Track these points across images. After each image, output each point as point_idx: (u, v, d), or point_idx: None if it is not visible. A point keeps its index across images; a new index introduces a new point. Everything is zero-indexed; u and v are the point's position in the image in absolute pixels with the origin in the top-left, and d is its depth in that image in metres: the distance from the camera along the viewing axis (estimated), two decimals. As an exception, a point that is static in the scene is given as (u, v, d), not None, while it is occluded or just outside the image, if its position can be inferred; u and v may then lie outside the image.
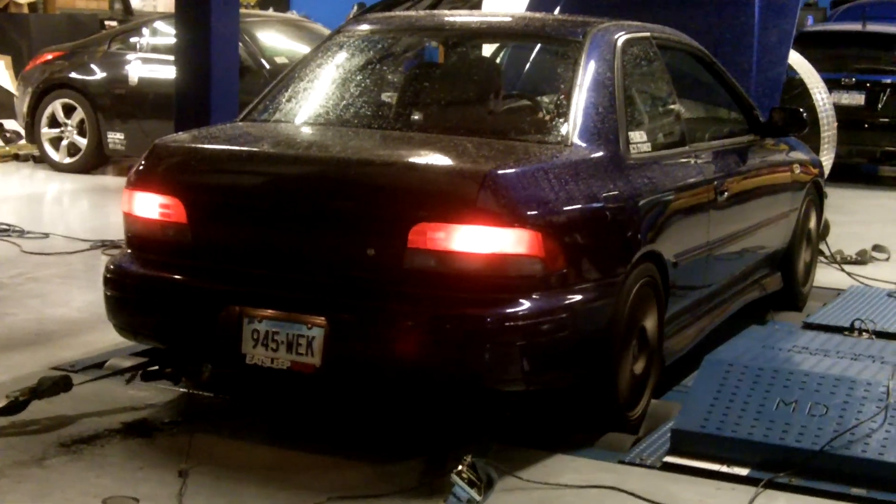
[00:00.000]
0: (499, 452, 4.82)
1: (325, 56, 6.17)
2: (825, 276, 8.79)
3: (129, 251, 5.37)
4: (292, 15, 16.74)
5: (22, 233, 9.31)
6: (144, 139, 11.45)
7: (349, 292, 4.83)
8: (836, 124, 11.52)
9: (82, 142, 13.08)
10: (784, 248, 7.64)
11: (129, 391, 5.55)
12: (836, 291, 8.24)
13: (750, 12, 8.59)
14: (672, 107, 6.25)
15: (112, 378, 5.65)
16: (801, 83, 11.56)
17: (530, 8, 9.14)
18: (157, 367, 5.60)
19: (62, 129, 13.17)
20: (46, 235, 9.31)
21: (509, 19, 6.71)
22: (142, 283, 5.24)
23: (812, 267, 8.24)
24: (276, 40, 13.15)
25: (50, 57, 13.55)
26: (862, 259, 9.50)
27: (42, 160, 13.44)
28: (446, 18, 6.79)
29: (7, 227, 9.39)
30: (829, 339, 6.39)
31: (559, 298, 4.83)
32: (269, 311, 4.89)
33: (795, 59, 11.24)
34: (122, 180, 6.45)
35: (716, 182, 6.24)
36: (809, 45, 14.08)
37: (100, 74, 13.07)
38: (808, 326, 7.05)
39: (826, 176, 9.34)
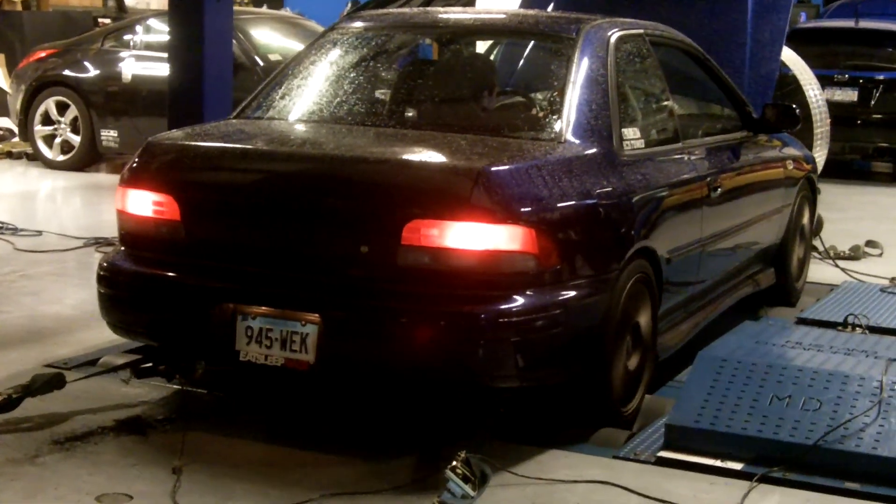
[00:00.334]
0: (493, 448, 4.82)
1: (318, 53, 6.17)
2: (818, 271, 8.80)
3: (122, 249, 5.37)
4: (286, 12, 16.73)
5: (15, 230, 9.30)
6: (138, 137, 11.44)
7: (343, 289, 4.83)
8: (829, 121, 11.54)
9: (76, 139, 13.07)
10: (777, 243, 7.65)
11: (122, 388, 5.55)
12: (830, 287, 8.25)
13: (743, 9, 8.59)
14: (665, 103, 6.25)
15: (105, 375, 5.64)
16: (794, 80, 11.56)
17: (524, 5, 9.13)
18: (150, 365, 5.59)
19: (55, 126, 13.16)
20: (40, 233, 9.30)
21: (503, 16, 6.71)
22: (135, 280, 5.24)
23: (805, 262, 8.25)
24: (270, 37, 13.14)
25: (43, 54, 13.53)
26: (855, 255, 9.51)
27: (35, 158, 13.42)
28: (440, 15, 6.79)
29: (0, 225, 9.38)
30: (822, 334, 6.40)
31: (553, 295, 4.83)
32: (263, 309, 4.89)
33: (788, 56, 11.24)
34: (115, 178, 6.44)
35: (709, 178, 6.25)
36: (802, 41, 14.10)
37: (93, 72, 13.06)
38: (802, 322, 7.06)
39: (819, 172, 9.35)
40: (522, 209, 4.73)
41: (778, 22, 8.74)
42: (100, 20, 17.06)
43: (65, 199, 11.94)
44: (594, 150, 5.33)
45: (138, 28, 13.27)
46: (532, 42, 6.97)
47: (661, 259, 5.61)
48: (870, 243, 9.82)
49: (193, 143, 5.43)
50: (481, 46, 7.48)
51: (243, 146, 5.33)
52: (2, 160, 13.74)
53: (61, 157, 13.16)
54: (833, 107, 12.72)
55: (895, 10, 17.21)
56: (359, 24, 6.36)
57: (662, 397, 5.68)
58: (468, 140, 5.23)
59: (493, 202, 4.67)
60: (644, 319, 5.50)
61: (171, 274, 5.15)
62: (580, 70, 5.56)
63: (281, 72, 6.12)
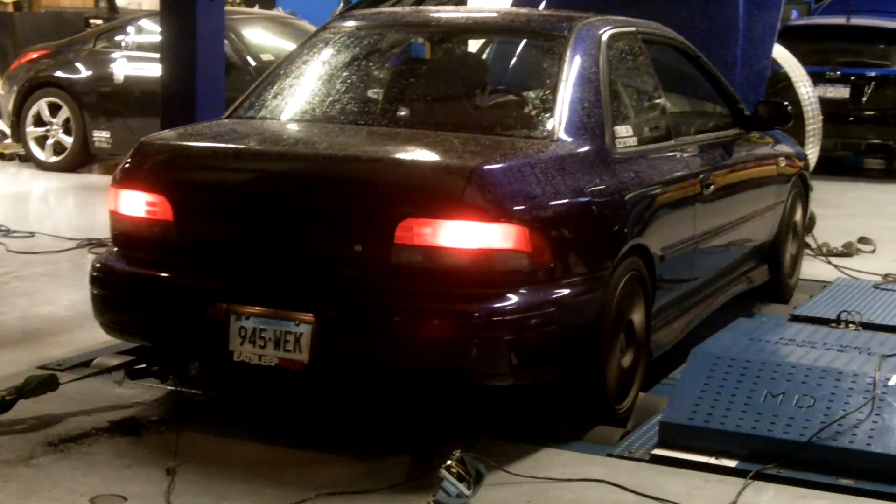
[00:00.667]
0: (487, 447, 4.82)
1: (311, 53, 6.16)
2: (811, 268, 8.81)
3: (115, 249, 5.36)
4: (278, 12, 16.72)
5: (8, 232, 9.29)
6: (130, 137, 11.41)
7: (337, 289, 4.83)
8: (821, 117, 11.54)
9: (68, 140, 13.06)
10: (770, 240, 7.66)
11: (116, 389, 5.55)
12: (823, 284, 8.26)
13: (735, 6, 8.60)
14: (658, 101, 6.26)
15: (99, 376, 5.64)
16: (786, 77, 11.57)
17: (516, 4, 9.14)
18: (144, 366, 5.58)
19: (48, 127, 13.15)
20: (32, 234, 9.30)
21: (495, 15, 6.71)
22: (128, 281, 5.24)
23: (798, 259, 8.26)
24: (262, 37, 13.13)
25: (35, 55, 13.53)
26: (848, 251, 9.53)
27: (28, 159, 13.42)
28: (432, 14, 6.79)
29: (-7, 227, 9.39)
30: (815, 330, 6.39)
31: (546, 293, 4.83)
32: (257, 308, 4.88)
33: (780, 53, 11.25)
34: (107, 178, 6.44)
35: (702, 175, 6.26)
36: (794, 38, 14.10)
37: (85, 73, 13.05)
38: (795, 318, 7.06)
39: (811, 169, 9.36)
40: (515, 207, 4.73)
41: (770, 19, 8.76)
42: (91, 21, 17.03)
43: (57, 201, 11.93)
44: (587, 148, 5.33)
45: (130, 29, 13.27)
46: (524, 40, 6.98)
47: (655, 256, 5.61)
48: (862, 240, 9.83)
49: (186, 144, 5.43)
50: (474, 45, 7.48)
51: (236, 146, 5.33)
52: (-6, 161, 13.75)
53: (54, 159, 13.16)
54: (825, 104, 12.73)
55: (886, 6, 17.20)
56: (351, 24, 6.36)
57: (656, 395, 5.68)
58: (461, 138, 5.23)
59: (485, 200, 4.67)
60: (638, 317, 5.50)
61: (164, 274, 5.14)
62: (572, 68, 5.56)
63: (273, 71, 6.12)
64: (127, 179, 5.26)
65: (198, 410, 5.37)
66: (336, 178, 4.93)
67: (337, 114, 5.72)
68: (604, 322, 5.13)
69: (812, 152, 10.98)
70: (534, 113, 5.61)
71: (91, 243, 8.90)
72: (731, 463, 4.84)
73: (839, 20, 15.71)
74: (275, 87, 5.97)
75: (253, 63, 12.17)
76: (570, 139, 5.30)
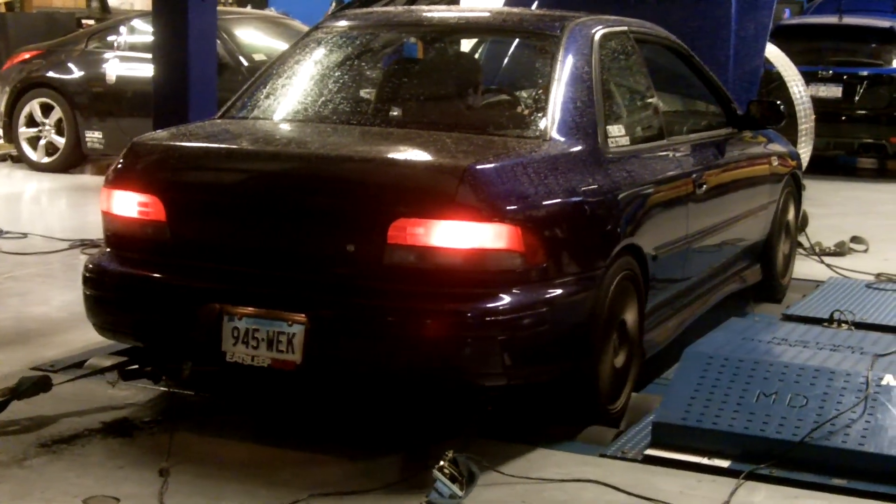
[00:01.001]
0: (480, 447, 4.82)
1: (303, 53, 6.16)
2: (804, 267, 8.82)
3: (107, 250, 5.36)
4: (270, 12, 16.70)
5: (0, 233, 9.27)
6: (122, 138, 11.39)
7: (329, 289, 4.83)
8: (813, 117, 11.56)
9: (60, 141, 13.04)
10: (763, 240, 7.67)
11: (109, 390, 5.54)
12: (816, 283, 8.26)
13: (727, 6, 8.61)
14: (650, 100, 6.26)
15: (92, 377, 5.63)
16: (779, 76, 11.59)
17: (508, 3, 9.14)
18: (137, 366, 5.58)
19: (40, 128, 13.13)
20: (25, 235, 9.28)
21: (487, 15, 6.71)
22: (121, 281, 5.23)
23: (791, 259, 8.27)
24: (254, 37, 13.12)
25: (27, 56, 13.51)
26: (840, 251, 9.53)
27: (20, 160, 13.39)
28: (425, 14, 6.79)
29: (-15, 228, 9.37)
30: (808, 330, 6.39)
31: (539, 292, 4.83)
32: (250, 309, 4.88)
33: (773, 53, 11.26)
34: (100, 179, 6.43)
35: (694, 175, 6.26)
36: (786, 38, 14.14)
37: (77, 73, 13.04)
38: (788, 318, 7.06)
39: (804, 168, 9.37)
40: (508, 207, 4.73)
41: (762, 18, 8.76)
42: (84, 21, 17.02)
43: (50, 201, 11.91)
44: (579, 148, 5.33)
45: (122, 29, 13.25)
46: (516, 40, 6.97)
47: (648, 256, 5.61)
48: (855, 239, 9.84)
49: (178, 144, 5.43)
50: (466, 45, 7.49)
51: (228, 146, 5.33)
52: (-14, 162, 13.72)
53: (46, 159, 13.14)
54: (817, 103, 12.75)
55: (878, 5, 17.24)
56: (343, 24, 6.36)
57: (649, 395, 5.68)
58: (453, 138, 5.23)
59: (478, 200, 4.67)
60: (631, 317, 5.50)
61: (156, 275, 5.14)
62: (565, 68, 5.56)
63: (265, 71, 6.11)
64: (119, 180, 5.26)
65: (191, 411, 5.37)
66: (329, 178, 4.93)
67: (329, 114, 5.72)
68: (597, 322, 5.13)
69: (804, 151, 11.00)
70: (526, 112, 5.61)
71: (84, 244, 8.88)
72: (724, 463, 4.84)
73: (831, 19, 15.73)
74: (267, 88, 5.97)
75: (245, 63, 12.16)
76: (562, 139, 5.30)
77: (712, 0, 8.64)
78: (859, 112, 14.60)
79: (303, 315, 4.78)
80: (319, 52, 6.17)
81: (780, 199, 7.79)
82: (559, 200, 5.02)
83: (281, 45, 12.05)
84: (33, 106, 13.13)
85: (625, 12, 6.67)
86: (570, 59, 5.60)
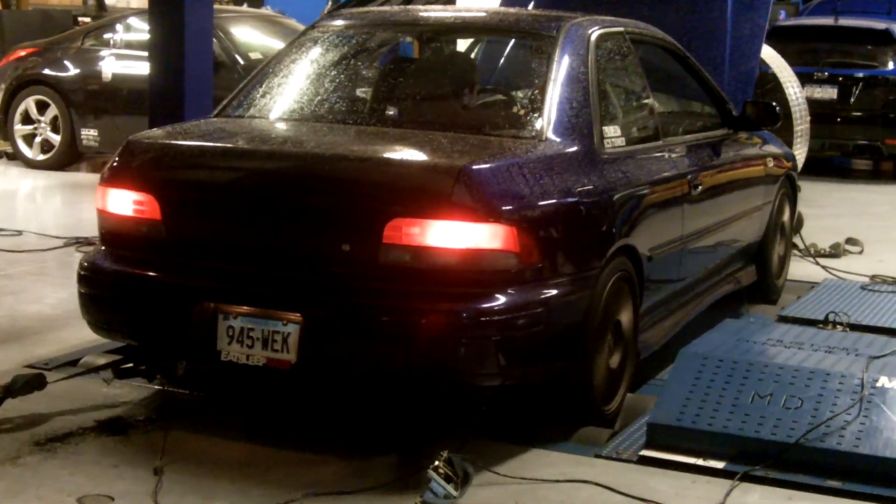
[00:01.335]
0: (475, 447, 4.82)
1: (299, 51, 6.16)
2: (799, 269, 8.82)
3: (102, 248, 5.35)
4: (266, 10, 16.70)
5: (-5, 230, 9.28)
6: (118, 135, 11.36)
7: (325, 288, 4.83)
8: (808, 118, 11.56)
9: (56, 138, 13.03)
10: (758, 241, 7.67)
11: (103, 389, 5.53)
12: (810, 284, 8.27)
13: (723, 6, 8.60)
14: (646, 101, 6.26)
15: (86, 376, 5.63)
16: (774, 77, 11.58)
17: (505, 3, 9.13)
18: (131, 365, 5.57)
19: (35, 125, 13.12)
20: (20, 233, 9.27)
21: (484, 14, 6.70)
22: (116, 280, 5.22)
23: (786, 260, 8.27)
24: (251, 36, 13.12)
25: (23, 53, 13.50)
26: (835, 252, 9.54)
27: (15, 157, 13.39)
28: (421, 14, 6.79)
29: (-20, 225, 9.36)
30: (803, 331, 6.40)
31: (534, 293, 4.83)
32: (245, 308, 4.88)
33: (768, 54, 11.26)
34: (95, 177, 6.43)
35: (690, 176, 6.26)
36: (782, 39, 14.13)
37: (73, 71, 13.02)
38: (783, 319, 7.07)
39: (799, 169, 9.37)
40: (504, 207, 4.73)
41: (758, 19, 8.76)
42: (80, 19, 17.01)
43: (45, 199, 11.90)
44: (575, 148, 5.33)
45: (118, 27, 13.24)
46: (513, 40, 6.98)
47: (643, 257, 5.61)
48: (850, 241, 9.84)
49: (174, 142, 5.42)
50: (462, 45, 7.48)
51: (224, 145, 5.32)
52: (-19, 160, 13.71)
53: (41, 157, 13.13)
54: (813, 104, 12.76)
55: (874, 7, 17.25)
56: (339, 23, 6.35)
57: (644, 395, 5.69)
58: (449, 138, 5.22)
59: (474, 200, 4.67)
60: (625, 317, 5.50)
61: (151, 273, 5.13)
62: (561, 68, 5.56)
63: (261, 70, 6.11)
64: (115, 178, 5.25)
65: (185, 410, 5.36)
66: (324, 178, 4.92)
67: (325, 113, 5.72)
68: (591, 322, 5.13)
69: (800, 153, 11.00)
70: (522, 113, 5.61)
71: (78, 242, 8.87)
72: (719, 464, 4.84)
73: (827, 21, 15.74)
74: (263, 86, 5.96)
75: (241, 62, 12.15)
76: (558, 139, 5.30)
77: (708, 1, 8.63)
78: (854, 113, 14.62)
79: (298, 314, 4.77)
80: (315, 51, 6.16)
81: (775, 200, 7.79)
82: (554, 201, 5.02)
83: (277, 44, 12.06)
84: (29, 103, 13.11)
85: (621, 13, 6.66)
86: (566, 60, 5.60)
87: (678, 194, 6.10)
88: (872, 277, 8.51)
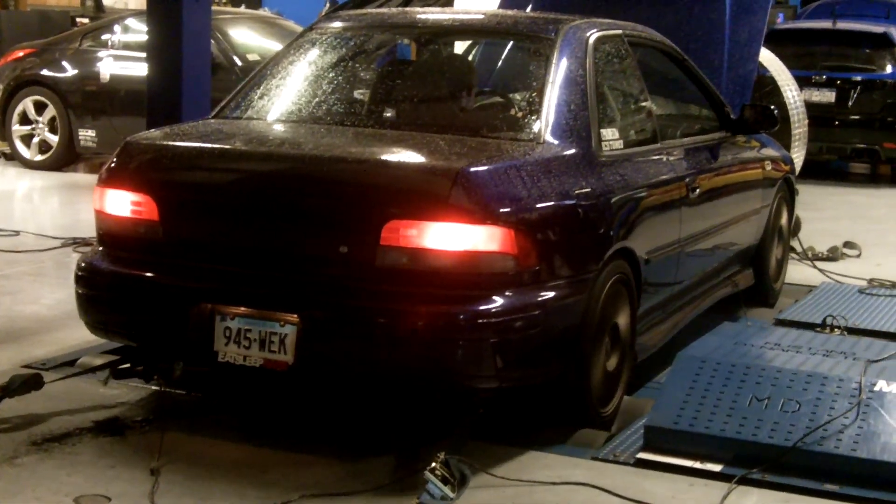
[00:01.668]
0: (472, 449, 4.82)
1: (297, 53, 6.15)
2: (797, 272, 8.82)
3: (100, 249, 5.35)
4: (264, 12, 16.70)
5: (-8, 231, 9.27)
6: (116, 136, 11.40)
7: (322, 290, 4.83)
8: (806, 121, 11.57)
9: (53, 139, 13.03)
10: (756, 244, 7.67)
11: (100, 389, 5.53)
12: (808, 288, 8.27)
13: (721, 9, 8.61)
14: (644, 104, 6.26)
15: (83, 376, 5.62)
16: (772, 81, 11.58)
17: (503, 5, 9.13)
18: (128, 365, 5.57)
19: (33, 126, 13.12)
20: (17, 233, 9.26)
21: (482, 17, 6.71)
22: (113, 280, 5.22)
23: (784, 263, 8.27)
24: (248, 37, 13.12)
25: (21, 54, 13.50)
26: (833, 255, 9.54)
27: (13, 157, 13.38)
28: (419, 16, 6.79)
29: (-23, 226, 9.35)
30: (801, 335, 6.41)
31: (532, 295, 4.83)
32: (242, 309, 4.87)
33: (766, 57, 11.26)
34: (93, 178, 6.43)
35: (687, 179, 6.26)
36: (780, 42, 14.14)
37: (71, 71, 13.02)
38: (780, 323, 7.08)
39: (797, 173, 9.37)
40: (501, 209, 4.73)
41: (756, 23, 8.76)
42: (78, 20, 17.01)
43: (42, 199, 11.89)
44: (573, 151, 5.33)
45: (116, 28, 13.24)
46: (511, 42, 6.98)
47: (640, 259, 5.61)
48: (848, 244, 9.85)
49: (172, 143, 5.42)
50: (460, 47, 7.49)
51: (222, 146, 5.32)
52: (-21, 160, 13.70)
53: (39, 157, 13.13)
54: (811, 108, 12.76)
55: (872, 10, 17.27)
56: (337, 24, 6.35)
57: (641, 398, 5.68)
58: (447, 140, 5.22)
59: (471, 202, 4.67)
60: (623, 320, 5.50)
61: (149, 274, 5.13)
62: (559, 70, 5.56)
63: (259, 72, 6.11)
64: (112, 179, 5.25)
65: (182, 411, 5.36)
66: (322, 179, 4.92)
67: (323, 114, 5.72)
68: (589, 325, 5.13)
69: (798, 156, 11.00)
70: (520, 115, 5.61)
71: (76, 242, 8.87)
72: (716, 467, 4.84)
73: (825, 24, 15.75)
74: (261, 88, 5.96)
75: (239, 63, 12.16)
76: (556, 142, 5.30)
77: (706, 4, 8.64)
78: (852, 117, 14.63)
79: (295, 315, 4.77)
80: (313, 53, 6.16)
81: (773, 203, 7.80)
82: (552, 203, 5.02)
83: (275, 46, 12.06)
84: (27, 104, 13.11)
85: (619, 15, 6.66)
86: (564, 62, 5.60)
87: (676, 197, 6.11)
88: (870, 281, 8.51)
